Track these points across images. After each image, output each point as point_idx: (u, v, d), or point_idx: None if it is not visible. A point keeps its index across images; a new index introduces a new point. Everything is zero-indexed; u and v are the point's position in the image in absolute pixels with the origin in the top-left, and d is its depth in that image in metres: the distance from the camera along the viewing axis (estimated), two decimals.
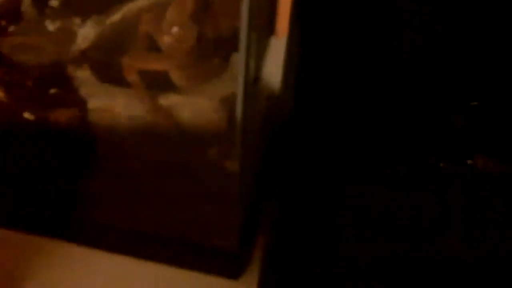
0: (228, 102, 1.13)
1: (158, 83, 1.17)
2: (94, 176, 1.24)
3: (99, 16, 1.21)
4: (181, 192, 1.21)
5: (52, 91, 1.22)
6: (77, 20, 1.20)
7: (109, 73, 1.19)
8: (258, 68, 1.21)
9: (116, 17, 1.20)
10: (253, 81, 1.16)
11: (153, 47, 1.14)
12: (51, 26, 1.22)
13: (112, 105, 1.19)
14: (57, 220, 1.29)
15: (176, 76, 1.15)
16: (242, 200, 1.16)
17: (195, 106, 1.17)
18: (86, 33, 1.21)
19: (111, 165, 1.22)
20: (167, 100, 1.17)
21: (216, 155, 1.17)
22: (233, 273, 1.21)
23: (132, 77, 1.14)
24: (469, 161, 0.95)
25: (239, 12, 0.97)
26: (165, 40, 1.09)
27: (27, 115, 1.23)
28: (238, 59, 1.02)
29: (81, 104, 1.20)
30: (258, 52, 1.19)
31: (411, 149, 0.99)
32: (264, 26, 1.22)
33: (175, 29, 1.08)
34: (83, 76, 1.20)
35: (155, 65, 1.13)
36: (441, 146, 0.97)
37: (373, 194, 1.01)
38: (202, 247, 1.25)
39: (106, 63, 1.19)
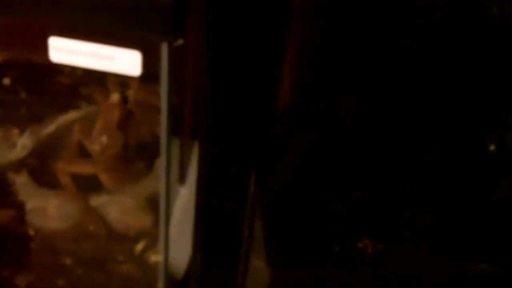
0: (153, 201, 1.15)
1: (88, 185, 1.18)
2: (28, 271, 1.23)
3: (36, 127, 1.24)
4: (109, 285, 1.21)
5: None
6: (15, 131, 1.22)
7: (45, 178, 1.20)
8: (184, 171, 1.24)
9: (51, 128, 1.22)
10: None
11: (84, 153, 1.17)
12: None
13: (47, 206, 1.19)
14: None
15: (104, 179, 1.17)
16: None
17: (122, 205, 1.19)
18: (24, 142, 1.22)
19: (44, 261, 1.22)
20: (97, 200, 1.19)
21: (141, 250, 1.18)
22: None
23: (64, 180, 1.16)
24: (359, 244, 0.98)
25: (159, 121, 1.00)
26: (94, 147, 1.11)
27: None
28: (160, 163, 1.04)
29: (19, 206, 1.21)
30: (183, 158, 1.22)
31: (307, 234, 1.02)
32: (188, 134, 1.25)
33: (103, 138, 1.10)
34: (21, 180, 1.21)
35: (85, 169, 1.15)
36: (334, 231, 1.00)
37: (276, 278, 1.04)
38: None
39: (42, 169, 1.20)
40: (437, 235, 1.00)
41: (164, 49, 0.96)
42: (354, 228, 0.99)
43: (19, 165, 1.21)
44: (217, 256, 1.00)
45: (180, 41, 0.95)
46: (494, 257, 1.00)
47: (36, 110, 1.24)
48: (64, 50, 0.97)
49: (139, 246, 1.19)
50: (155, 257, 1.17)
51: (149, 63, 0.97)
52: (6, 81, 1.32)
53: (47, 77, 1.18)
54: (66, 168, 1.15)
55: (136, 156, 1.15)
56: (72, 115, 1.19)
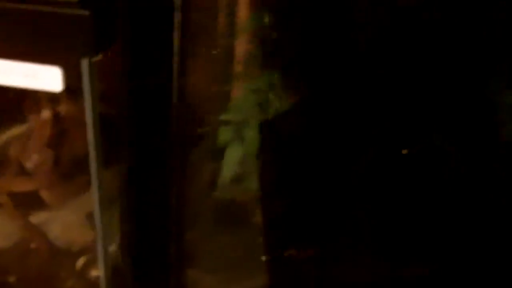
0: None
1: (28, 203, 1.16)
2: None
3: None
4: None
5: None
6: None
7: None
8: None
9: None
10: None
11: (23, 171, 1.14)
12: None
13: None
14: None
15: (44, 195, 1.15)
16: None
17: (63, 222, 1.16)
18: None
19: None
20: (38, 217, 1.17)
21: (83, 265, 1.16)
22: None
23: (1, 198, 1.14)
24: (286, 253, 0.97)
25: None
26: (28, 164, 1.09)
27: None
28: (92, 178, 1.02)
29: None
30: None
31: None
32: None
33: (34, 155, 1.08)
34: None
35: (21, 187, 1.13)
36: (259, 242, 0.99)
37: None
38: None
39: None
40: (372, 237, 0.99)
41: (85, 65, 0.94)
42: (279, 238, 0.97)
43: None
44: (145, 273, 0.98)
45: (99, 56, 0.93)
46: (430, 259, 0.98)
47: None
48: None
49: (81, 262, 1.17)
50: (96, 272, 1.15)
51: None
52: None
53: None
54: (2, 185, 1.13)
55: (75, 172, 1.13)
56: (15, 130, 1.17)
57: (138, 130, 0.90)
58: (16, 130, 1.12)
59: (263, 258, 0.97)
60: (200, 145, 0.97)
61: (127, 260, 1.00)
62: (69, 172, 1.12)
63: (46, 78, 0.94)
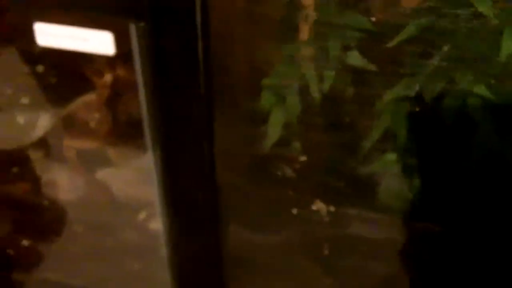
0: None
1: (95, 159, 1.24)
2: (44, 238, 1.30)
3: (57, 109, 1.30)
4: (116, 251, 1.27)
5: (14, 169, 1.29)
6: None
7: (58, 154, 1.26)
8: None
9: (68, 109, 1.28)
10: None
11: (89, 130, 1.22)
12: (21, 119, 1.31)
13: (58, 179, 1.26)
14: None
15: (109, 153, 1.22)
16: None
17: (125, 178, 1.24)
18: (43, 123, 1.29)
19: (58, 228, 1.28)
20: (103, 173, 1.24)
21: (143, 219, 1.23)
22: None
23: (70, 155, 1.22)
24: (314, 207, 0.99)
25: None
26: (91, 124, 1.17)
27: None
28: (146, 139, 1.08)
29: (36, 179, 1.28)
30: None
31: None
32: None
33: (95, 115, 1.15)
34: (37, 156, 1.28)
35: (86, 145, 1.20)
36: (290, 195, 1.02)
37: None
38: None
39: (56, 146, 1.27)
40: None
41: (133, 30, 1.00)
42: (308, 191, 1.00)
43: (37, 143, 1.28)
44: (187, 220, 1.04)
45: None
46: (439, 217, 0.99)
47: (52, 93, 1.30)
48: (49, 34, 1.03)
49: (142, 215, 1.24)
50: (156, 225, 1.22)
51: None
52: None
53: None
54: (70, 144, 1.21)
55: (132, 132, 1.19)
56: (86, 97, 1.25)
57: (168, 95, 0.95)
58: (82, 93, 1.20)
59: (294, 211, 1.01)
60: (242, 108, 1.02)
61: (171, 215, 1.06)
62: (127, 133, 1.19)
63: (100, 42, 1.01)
